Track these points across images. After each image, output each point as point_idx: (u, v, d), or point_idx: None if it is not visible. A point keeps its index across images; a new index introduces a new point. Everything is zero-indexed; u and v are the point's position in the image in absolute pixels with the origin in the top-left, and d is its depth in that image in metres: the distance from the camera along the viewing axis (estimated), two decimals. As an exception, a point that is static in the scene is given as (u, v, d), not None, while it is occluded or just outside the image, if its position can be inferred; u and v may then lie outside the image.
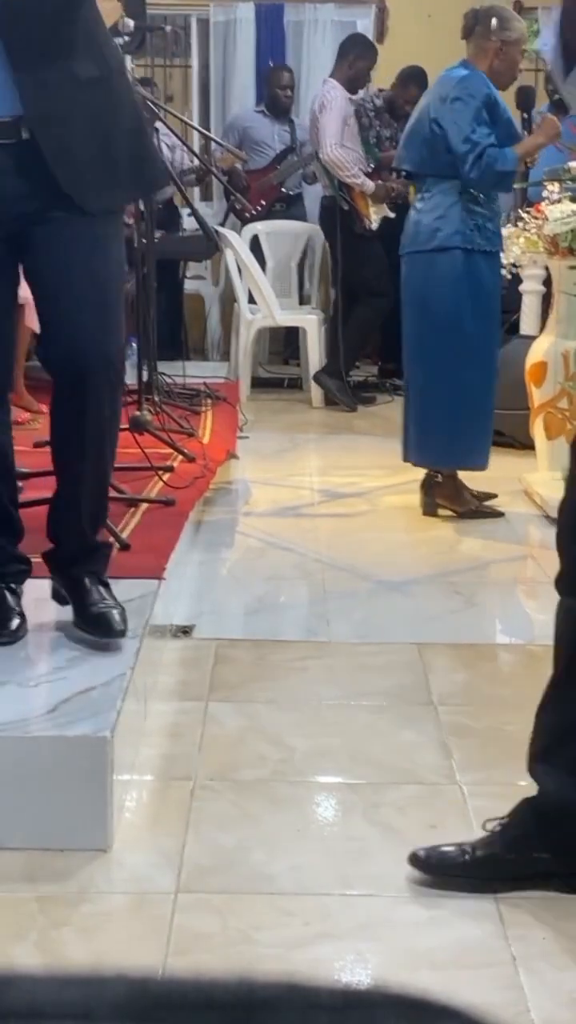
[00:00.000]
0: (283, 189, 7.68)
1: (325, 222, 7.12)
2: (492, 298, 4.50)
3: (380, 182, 6.85)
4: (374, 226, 6.84)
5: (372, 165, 6.92)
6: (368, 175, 6.83)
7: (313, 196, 7.52)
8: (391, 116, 7.07)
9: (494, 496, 4.73)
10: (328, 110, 6.75)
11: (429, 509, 4.63)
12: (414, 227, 4.48)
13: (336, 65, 6.98)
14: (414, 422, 4.58)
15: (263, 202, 7.60)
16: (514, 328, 6.12)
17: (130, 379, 5.06)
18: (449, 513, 4.64)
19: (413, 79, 6.95)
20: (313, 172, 7.36)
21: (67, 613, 2.74)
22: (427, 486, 4.65)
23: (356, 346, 6.99)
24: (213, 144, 7.45)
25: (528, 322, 5.86)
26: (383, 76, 7.27)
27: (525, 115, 5.65)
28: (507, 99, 4.66)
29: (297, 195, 7.76)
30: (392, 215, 6.73)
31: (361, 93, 7.02)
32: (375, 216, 6.85)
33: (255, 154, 7.59)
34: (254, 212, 7.46)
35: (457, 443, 4.54)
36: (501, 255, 4.58)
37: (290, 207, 7.71)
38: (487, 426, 4.61)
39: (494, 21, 4.40)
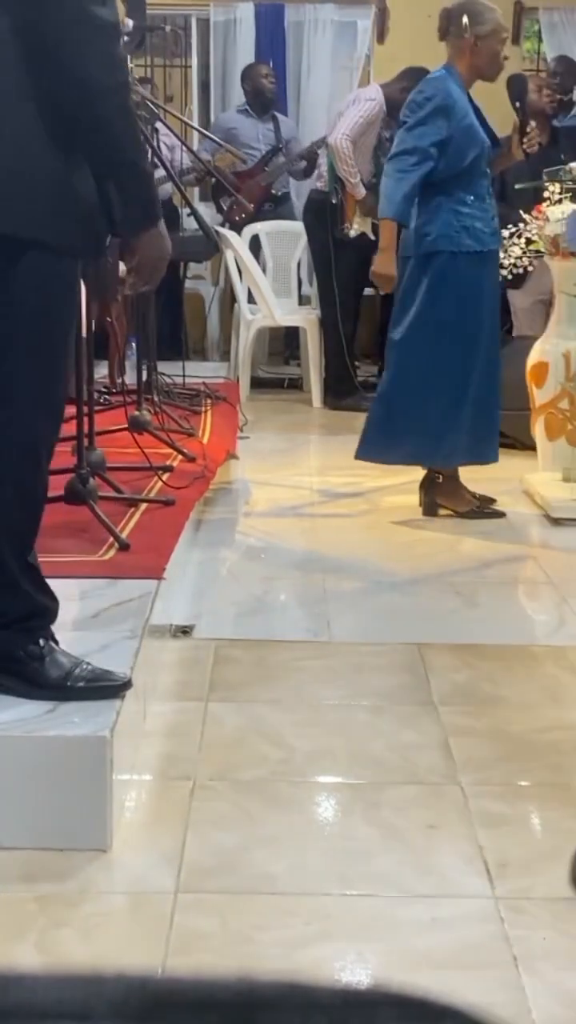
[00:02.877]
0: (271, 190, 7.68)
1: (309, 219, 7.10)
2: (482, 298, 4.47)
3: (372, 194, 6.83)
4: (352, 234, 6.82)
5: (375, 180, 6.90)
6: (368, 187, 6.81)
7: (302, 194, 7.51)
8: (390, 116, 7.06)
9: (493, 501, 4.73)
10: (359, 105, 6.73)
11: (429, 509, 4.63)
12: (407, 232, 4.50)
13: (393, 80, 6.88)
14: (385, 421, 4.55)
15: (251, 204, 7.60)
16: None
17: (130, 379, 5.07)
18: (449, 513, 4.64)
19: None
20: (304, 169, 7.35)
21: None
22: (427, 486, 4.65)
23: (344, 351, 6.97)
24: (209, 144, 7.44)
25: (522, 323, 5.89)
26: (383, 77, 7.26)
27: (518, 103, 5.60)
28: (498, 90, 4.65)
29: (284, 195, 7.76)
30: (373, 237, 6.69)
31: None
32: (356, 225, 6.83)
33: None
34: (242, 216, 7.44)
35: (425, 442, 4.52)
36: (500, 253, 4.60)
37: (278, 206, 7.71)
38: (465, 425, 4.55)
39: (465, 18, 4.38)
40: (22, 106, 2.19)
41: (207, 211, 7.78)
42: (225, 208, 7.35)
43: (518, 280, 5.34)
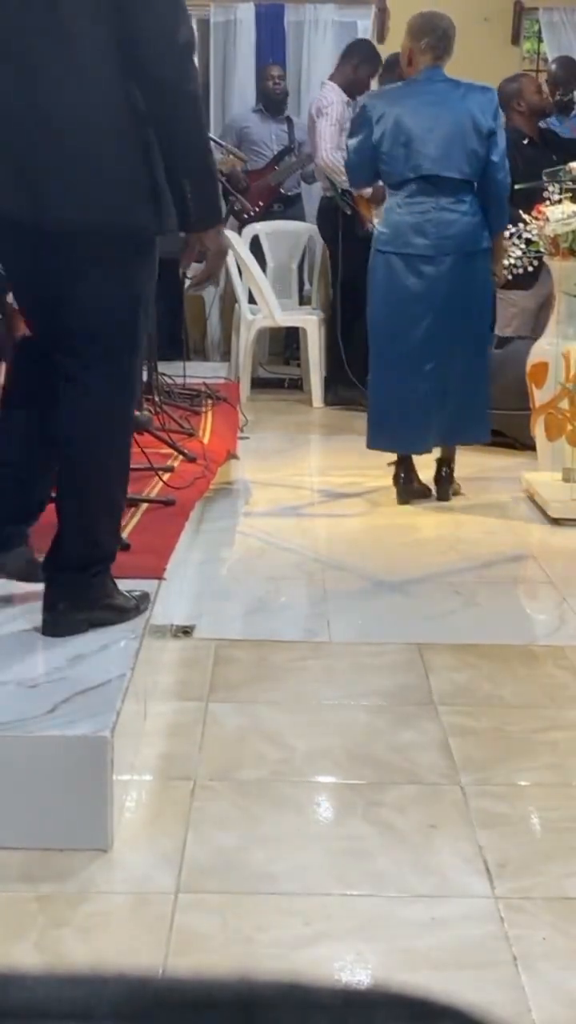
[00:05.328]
0: (281, 190, 7.68)
1: (323, 223, 7.09)
2: None
3: (379, 183, 6.81)
4: (375, 231, 6.81)
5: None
6: None
7: (312, 197, 7.51)
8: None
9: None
10: (325, 115, 6.72)
11: (444, 496, 4.80)
12: (460, 228, 4.60)
13: (338, 67, 6.94)
14: (464, 407, 4.71)
15: (261, 203, 7.59)
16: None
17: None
18: (449, 511, 4.65)
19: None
20: (312, 172, 7.35)
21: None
22: (440, 477, 4.80)
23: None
24: (212, 145, 7.44)
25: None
26: (384, 77, 7.24)
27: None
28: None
29: (295, 195, 7.75)
30: None
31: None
32: (377, 220, 6.82)
33: (253, 155, 7.59)
34: (252, 213, 7.45)
35: (486, 420, 4.87)
36: None
37: (288, 208, 7.71)
38: None
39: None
40: (110, 106, 2.50)
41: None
42: (236, 208, 7.34)
43: (523, 281, 5.36)
